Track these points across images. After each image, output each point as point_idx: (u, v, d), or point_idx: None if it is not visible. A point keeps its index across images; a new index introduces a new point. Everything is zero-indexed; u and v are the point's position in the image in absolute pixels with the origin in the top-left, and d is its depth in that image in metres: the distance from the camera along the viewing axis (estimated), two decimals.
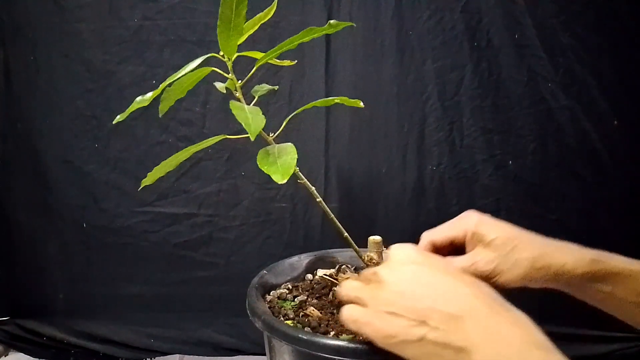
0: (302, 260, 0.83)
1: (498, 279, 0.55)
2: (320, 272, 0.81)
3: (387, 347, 0.47)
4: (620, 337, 1.07)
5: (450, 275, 0.49)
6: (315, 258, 0.83)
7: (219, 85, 0.65)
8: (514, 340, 0.42)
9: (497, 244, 0.55)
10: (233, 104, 0.59)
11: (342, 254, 0.84)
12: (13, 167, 1.08)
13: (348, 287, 0.53)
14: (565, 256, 0.54)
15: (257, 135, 0.56)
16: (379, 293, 0.49)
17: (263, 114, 0.58)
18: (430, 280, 0.48)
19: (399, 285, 0.48)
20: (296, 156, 0.59)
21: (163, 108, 0.62)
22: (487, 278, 0.54)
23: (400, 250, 0.52)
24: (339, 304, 0.72)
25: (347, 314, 0.51)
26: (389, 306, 0.47)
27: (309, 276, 0.82)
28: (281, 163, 0.57)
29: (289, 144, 0.62)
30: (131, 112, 0.61)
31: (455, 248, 0.60)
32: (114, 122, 0.63)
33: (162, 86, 0.60)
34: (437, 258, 0.53)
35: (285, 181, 0.55)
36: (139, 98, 0.62)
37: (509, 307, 0.46)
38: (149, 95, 0.60)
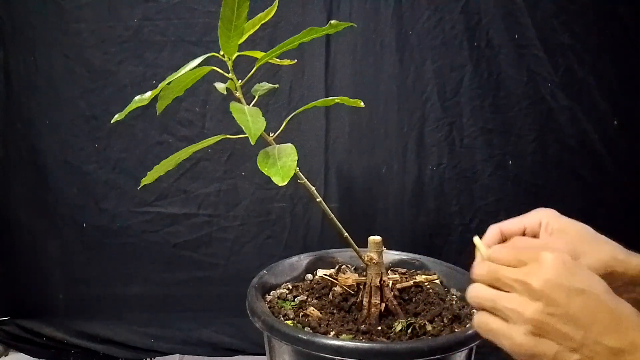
0: (302, 260, 0.83)
1: (581, 262, 0.51)
2: (320, 272, 0.81)
3: None
4: None
5: (609, 302, 0.44)
6: (315, 258, 0.84)
7: (220, 87, 0.65)
8: None
9: (577, 231, 0.53)
10: (233, 106, 0.59)
11: (342, 254, 0.84)
12: (13, 167, 1.08)
13: (481, 294, 0.48)
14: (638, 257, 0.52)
15: None
16: (526, 310, 0.44)
17: (263, 114, 0.58)
18: (589, 307, 0.44)
19: (553, 307, 0.43)
20: (296, 157, 0.59)
21: (160, 106, 0.62)
22: None
23: (554, 262, 0.45)
24: (339, 304, 0.72)
25: (482, 323, 0.47)
26: (539, 328, 0.43)
27: (309, 276, 0.82)
28: (281, 165, 0.57)
29: (289, 144, 0.62)
30: (131, 112, 0.61)
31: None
32: (112, 121, 0.63)
33: (161, 85, 0.60)
34: (592, 277, 0.46)
35: (285, 183, 0.55)
36: (137, 97, 0.62)
37: None
38: (148, 94, 0.60)
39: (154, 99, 0.61)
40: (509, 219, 0.58)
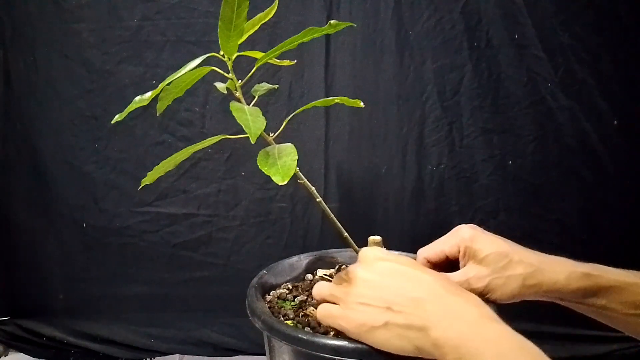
0: (302, 260, 0.83)
1: (490, 295, 0.56)
2: (320, 272, 0.81)
3: (359, 337, 0.52)
4: (620, 337, 1.07)
5: (414, 267, 0.53)
6: (315, 258, 0.83)
7: (219, 86, 0.65)
8: (470, 315, 0.47)
9: (490, 260, 0.57)
10: (233, 106, 0.58)
11: (342, 254, 0.84)
12: (13, 167, 1.08)
13: (321, 287, 0.57)
14: (557, 273, 0.56)
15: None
16: (352, 289, 0.53)
17: (263, 114, 0.58)
18: (395, 271, 0.53)
19: (369, 279, 0.53)
20: (296, 157, 0.58)
21: (161, 107, 0.62)
22: (480, 295, 0.55)
23: (369, 252, 0.57)
24: None
25: (323, 310, 0.56)
26: (360, 297, 0.52)
27: (309, 276, 0.82)
28: (281, 164, 0.57)
29: (289, 144, 0.62)
30: (131, 112, 0.61)
31: (450, 263, 0.61)
32: (112, 122, 0.63)
33: (161, 86, 0.59)
34: (403, 256, 0.57)
35: (285, 182, 0.55)
36: (137, 98, 0.61)
37: (465, 291, 0.51)
38: (148, 94, 0.60)
39: (154, 99, 0.61)
40: (434, 243, 0.63)
